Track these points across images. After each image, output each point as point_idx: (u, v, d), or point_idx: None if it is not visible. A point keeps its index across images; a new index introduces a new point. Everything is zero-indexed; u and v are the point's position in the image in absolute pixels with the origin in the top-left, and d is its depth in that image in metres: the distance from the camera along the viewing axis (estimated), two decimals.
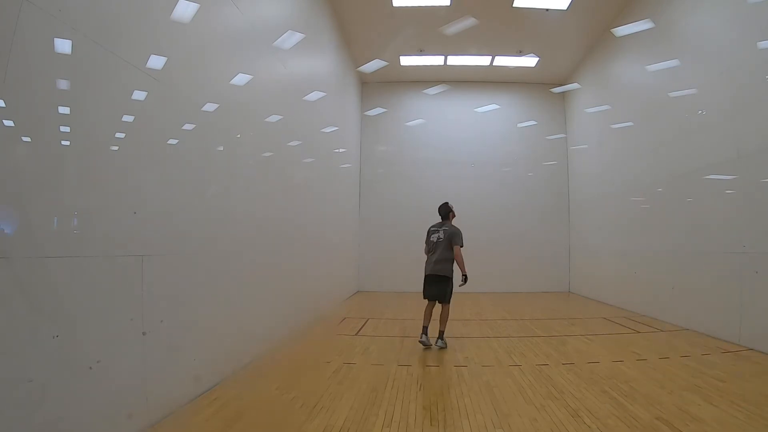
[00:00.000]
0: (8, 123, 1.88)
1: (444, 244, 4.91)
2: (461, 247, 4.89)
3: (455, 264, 4.95)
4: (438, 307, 5.05)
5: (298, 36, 5.51)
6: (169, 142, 3.06)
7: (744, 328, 4.88)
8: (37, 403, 1.94)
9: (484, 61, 10.27)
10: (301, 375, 3.96)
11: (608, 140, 9.05)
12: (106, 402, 2.36)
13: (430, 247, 5.03)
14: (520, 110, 11.46)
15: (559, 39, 9.19)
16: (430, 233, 5.11)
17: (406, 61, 10.28)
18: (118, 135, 2.54)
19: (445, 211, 5.16)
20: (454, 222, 5.20)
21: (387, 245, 10.97)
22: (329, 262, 7.90)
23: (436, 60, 10.31)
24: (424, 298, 5.01)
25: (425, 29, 8.51)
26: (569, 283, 11.10)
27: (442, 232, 4.98)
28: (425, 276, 5.01)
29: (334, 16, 8.25)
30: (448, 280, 4.92)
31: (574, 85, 10.38)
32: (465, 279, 4.85)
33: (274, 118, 4.99)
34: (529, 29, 8.71)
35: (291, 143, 5.72)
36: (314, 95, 6.60)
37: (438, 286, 4.93)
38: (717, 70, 5.44)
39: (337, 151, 8.84)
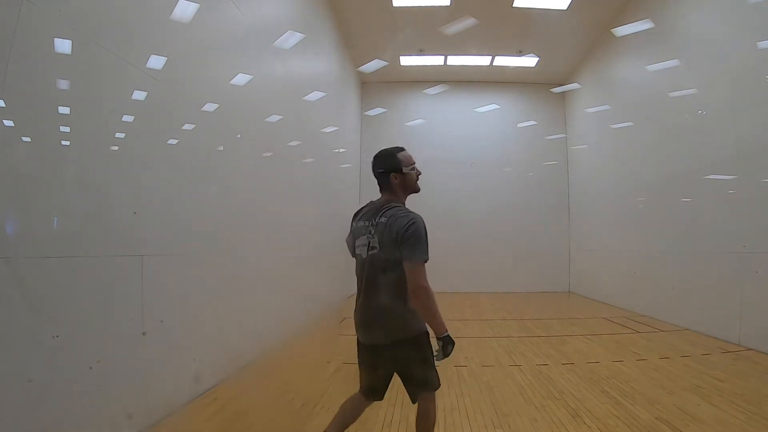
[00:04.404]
0: (8, 123, 1.88)
1: (383, 260, 1.91)
2: (424, 263, 1.84)
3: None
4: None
5: (298, 36, 5.51)
6: (169, 142, 3.06)
7: (744, 328, 4.88)
8: (37, 403, 1.94)
9: (484, 61, 10.27)
10: (301, 375, 3.95)
11: (608, 140, 9.05)
12: (106, 402, 2.36)
13: (358, 268, 2.07)
14: (520, 110, 11.46)
15: (559, 39, 9.19)
16: (354, 232, 2.09)
17: (406, 61, 10.28)
18: (118, 135, 2.54)
19: (379, 170, 2.04)
20: (414, 201, 2.04)
21: None
22: (329, 262, 7.89)
23: (436, 60, 10.31)
24: (361, 390, 2.15)
25: (425, 29, 8.51)
26: (569, 283, 11.09)
27: (376, 227, 1.95)
28: (359, 342, 2.11)
29: (334, 16, 8.25)
30: (409, 345, 1.97)
31: (574, 85, 10.38)
32: (446, 345, 1.87)
33: (274, 118, 4.98)
34: (529, 29, 8.70)
35: (291, 143, 5.72)
36: (314, 95, 6.60)
37: (391, 362, 2.02)
38: (717, 70, 5.44)
39: (337, 151, 8.84)
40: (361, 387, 2.13)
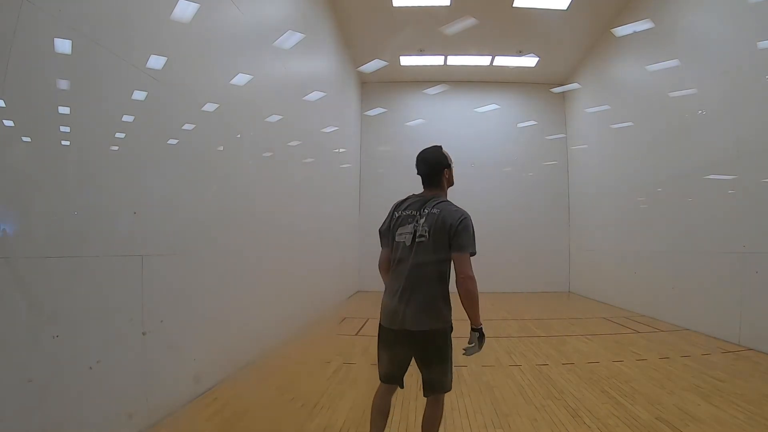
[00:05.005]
0: (8, 123, 1.88)
1: (430, 248, 2.01)
2: (471, 255, 2.03)
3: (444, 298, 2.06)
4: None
5: (298, 36, 5.51)
6: (169, 142, 3.06)
7: (744, 328, 4.88)
8: (37, 403, 1.94)
9: (484, 61, 10.27)
10: (301, 375, 3.95)
11: (608, 140, 9.05)
12: (106, 402, 2.36)
13: (396, 255, 2.10)
14: (520, 110, 11.46)
15: (559, 39, 9.19)
16: (396, 220, 2.14)
17: (406, 61, 10.28)
18: (118, 135, 2.54)
19: (435, 166, 2.17)
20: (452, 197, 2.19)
21: None
22: (329, 262, 7.90)
23: (436, 60, 10.31)
24: (381, 378, 2.16)
25: (425, 29, 8.51)
26: (569, 283, 11.09)
27: (427, 218, 2.04)
28: (383, 328, 2.11)
29: (334, 16, 8.25)
30: (438, 336, 2.03)
31: (574, 85, 10.38)
32: (480, 336, 2.04)
33: (274, 118, 4.98)
34: (529, 29, 8.70)
35: (291, 143, 5.72)
36: (314, 95, 6.60)
37: (417, 350, 2.06)
38: (717, 70, 5.44)
39: (337, 151, 8.84)
40: (381, 376, 2.14)
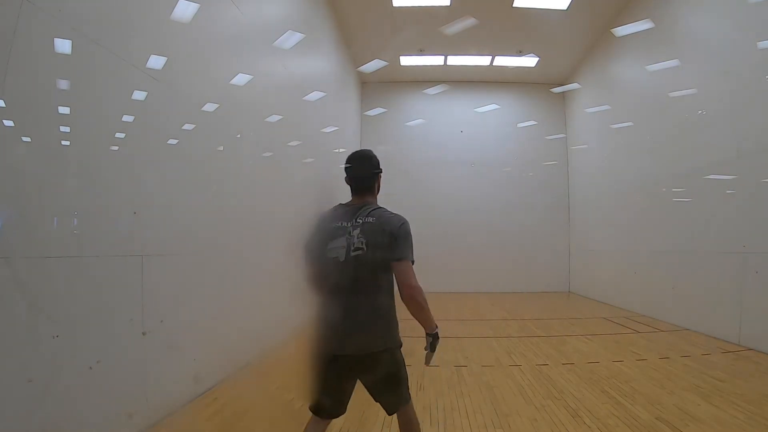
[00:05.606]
0: (8, 123, 1.88)
1: (369, 261, 1.81)
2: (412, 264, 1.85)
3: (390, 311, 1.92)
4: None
5: (298, 36, 5.51)
6: (169, 142, 3.06)
7: (744, 328, 4.88)
8: (37, 403, 1.94)
9: (484, 61, 10.27)
10: (301, 375, 3.95)
11: (608, 140, 9.05)
12: (106, 402, 2.36)
13: (329, 272, 1.85)
14: (520, 110, 11.46)
15: (559, 39, 9.19)
16: (324, 234, 1.89)
17: (406, 61, 10.29)
18: (118, 135, 2.54)
19: (370, 170, 1.99)
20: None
21: None
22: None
23: (436, 60, 10.32)
24: (313, 409, 1.93)
25: (425, 29, 8.51)
26: (569, 283, 11.10)
27: (362, 228, 1.84)
28: (319, 354, 1.90)
29: (334, 16, 8.25)
30: (389, 357, 1.89)
31: (574, 85, 10.38)
32: (434, 340, 1.90)
33: (274, 118, 4.98)
34: (529, 29, 8.70)
35: (291, 143, 5.72)
36: (314, 95, 6.60)
37: (365, 376, 1.89)
38: (717, 70, 5.44)
39: (337, 151, 8.84)
40: (319, 407, 1.88)
